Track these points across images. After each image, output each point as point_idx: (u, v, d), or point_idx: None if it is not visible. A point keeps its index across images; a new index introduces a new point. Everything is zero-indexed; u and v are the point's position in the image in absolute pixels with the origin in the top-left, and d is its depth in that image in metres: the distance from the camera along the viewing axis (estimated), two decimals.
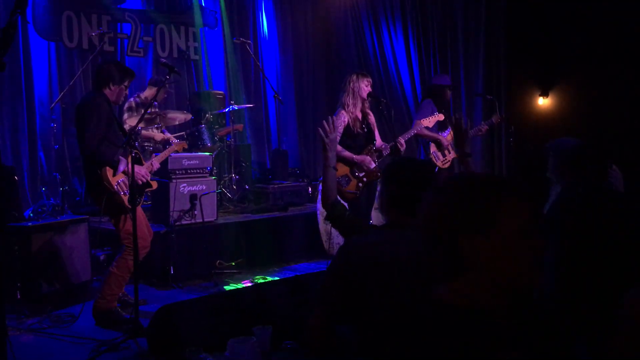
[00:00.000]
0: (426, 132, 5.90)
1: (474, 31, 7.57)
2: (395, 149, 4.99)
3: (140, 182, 4.27)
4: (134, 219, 3.95)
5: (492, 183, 1.23)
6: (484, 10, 7.41)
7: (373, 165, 5.00)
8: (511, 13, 7.18)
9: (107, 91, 4.28)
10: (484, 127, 6.14)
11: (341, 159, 4.98)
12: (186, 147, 5.45)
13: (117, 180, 4.16)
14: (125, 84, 4.35)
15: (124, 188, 4.19)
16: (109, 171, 4.13)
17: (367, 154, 5.05)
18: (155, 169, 4.69)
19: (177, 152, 5.07)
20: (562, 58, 6.93)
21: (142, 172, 4.33)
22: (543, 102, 7.32)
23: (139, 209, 4.26)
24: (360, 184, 4.99)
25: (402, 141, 4.97)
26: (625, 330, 1.45)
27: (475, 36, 7.55)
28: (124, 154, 4.19)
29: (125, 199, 4.17)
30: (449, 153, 6.10)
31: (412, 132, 5.48)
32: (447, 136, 6.17)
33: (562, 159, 3.33)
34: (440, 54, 7.96)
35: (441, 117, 5.65)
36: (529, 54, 7.14)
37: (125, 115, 6.73)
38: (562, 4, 6.70)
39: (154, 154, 5.00)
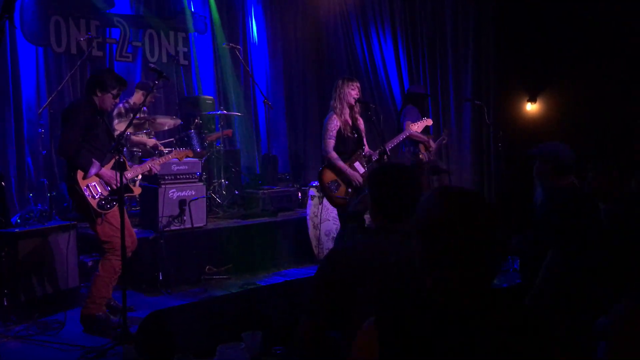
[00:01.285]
0: (417, 134, 5.98)
1: (463, 37, 7.61)
2: (383, 155, 5.02)
3: (114, 186, 4.25)
4: (122, 220, 3.96)
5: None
6: (473, 16, 7.46)
7: (362, 181, 5.04)
8: (500, 19, 7.23)
9: (94, 97, 4.33)
10: (439, 144, 6.40)
11: (334, 167, 5.02)
12: (191, 155, 5.38)
13: (87, 184, 4.19)
14: (114, 92, 4.37)
15: (94, 192, 4.21)
16: (80, 174, 4.18)
17: (356, 159, 5.08)
18: (155, 172, 4.72)
19: (179, 160, 4.99)
20: (550, 64, 6.98)
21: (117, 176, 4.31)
22: (531, 107, 7.37)
23: (116, 212, 4.23)
24: (350, 189, 5.02)
25: (387, 149, 5.02)
26: (618, 342, 1.46)
27: (464, 42, 7.59)
28: (107, 158, 4.24)
29: (94, 202, 4.20)
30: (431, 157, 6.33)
31: (404, 135, 5.54)
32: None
33: (550, 164, 3.35)
34: (429, 60, 7.99)
35: (430, 121, 5.79)
36: (518, 60, 7.19)
37: (115, 121, 6.71)
38: (551, 11, 6.76)
39: (142, 159, 4.97)
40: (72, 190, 4.26)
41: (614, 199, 2.89)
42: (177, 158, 5.03)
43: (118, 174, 4.05)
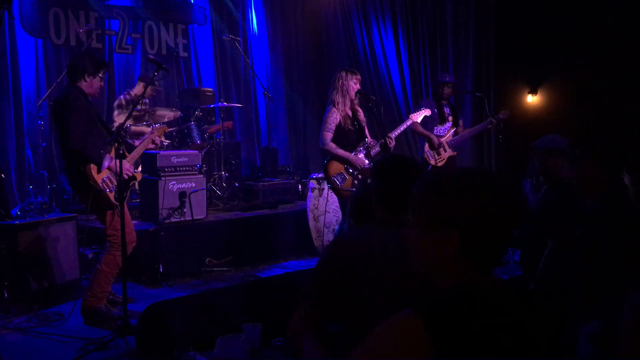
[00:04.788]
0: (419, 128, 5.91)
1: (463, 29, 7.58)
2: (384, 146, 5.00)
3: (125, 177, 4.20)
4: (122, 215, 3.93)
5: None
6: (473, 7, 7.43)
7: (367, 165, 5.02)
8: (500, 10, 7.20)
9: (82, 84, 4.21)
10: (488, 125, 6.18)
11: (336, 157, 5.00)
12: (167, 130, 5.29)
13: (102, 178, 4.11)
14: (100, 74, 4.29)
15: (110, 185, 4.14)
16: (94, 169, 4.06)
17: (359, 152, 5.07)
18: (160, 145, 4.70)
19: (158, 136, 4.85)
20: (550, 55, 6.95)
21: (126, 166, 4.21)
22: (532, 99, 7.35)
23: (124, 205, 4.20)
24: (356, 181, 5.01)
25: (392, 137, 5.00)
26: (630, 335, 1.45)
27: (465, 34, 7.57)
28: (107, 149, 4.12)
29: (112, 195, 4.13)
30: (445, 151, 6.12)
31: (402, 126, 5.52)
32: (445, 133, 6.20)
33: (553, 156, 3.33)
34: (430, 52, 7.97)
35: (428, 112, 5.75)
36: (518, 52, 7.15)
37: (115, 113, 6.71)
38: (552, 2, 6.72)
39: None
40: (84, 187, 4.09)
41: (599, 195, 2.84)
42: (158, 136, 4.79)
43: (124, 164, 4.00)
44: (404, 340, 1.21)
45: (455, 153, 6.22)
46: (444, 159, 6.11)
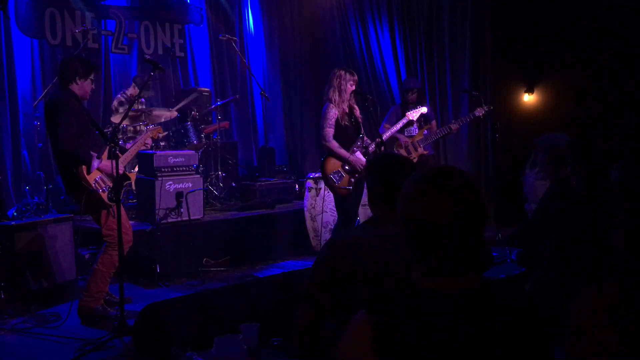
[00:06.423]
0: (389, 131, 5.84)
1: (460, 27, 7.58)
2: (380, 146, 5.03)
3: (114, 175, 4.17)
4: (118, 214, 3.91)
5: None
6: (470, 6, 7.43)
7: (364, 163, 5.03)
8: (497, 9, 7.21)
9: (74, 87, 4.23)
10: (466, 120, 6.20)
11: (335, 156, 5.01)
12: (162, 132, 5.29)
13: (95, 178, 4.11)
14: (92, 77, 4.30)
15: (102, 185, 4.14)
16: (84, 169, 4.08)
17: (357, 149, 5.08)
18: (150, 145, 4.67)
19: (153, 138, 4.82)
20: (547, 54, 6.96)
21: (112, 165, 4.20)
22: (528, 98, 7.35)
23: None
24: (352, 179, 5.03)
25: (384, 138, 5.03)
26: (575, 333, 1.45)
27: (462, 32, 7.57)
28: (101, 151, 4.12)
29: (104, 195, 4.13)
30: (416, 150, 6.10)
31: (399, 124, 5.58)
32: (415, 133, 6.19)
33: (549, 154, 3.35)
34: (426, 50, 7.97)
35: (424, 109, 5.84)
36: (515, 51, 7.16)
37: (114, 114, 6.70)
38: (549, 1, 6.73)
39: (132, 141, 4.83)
40: (77, 187, 4.10)
41: (593, 191, 2.89)
42: (152, 137, 4.78)
43: (106, 163, 3.99)
44: (354, 338, 1.29)
45: (427, 152, 6.21)
46: (415, 158, 6.11)
